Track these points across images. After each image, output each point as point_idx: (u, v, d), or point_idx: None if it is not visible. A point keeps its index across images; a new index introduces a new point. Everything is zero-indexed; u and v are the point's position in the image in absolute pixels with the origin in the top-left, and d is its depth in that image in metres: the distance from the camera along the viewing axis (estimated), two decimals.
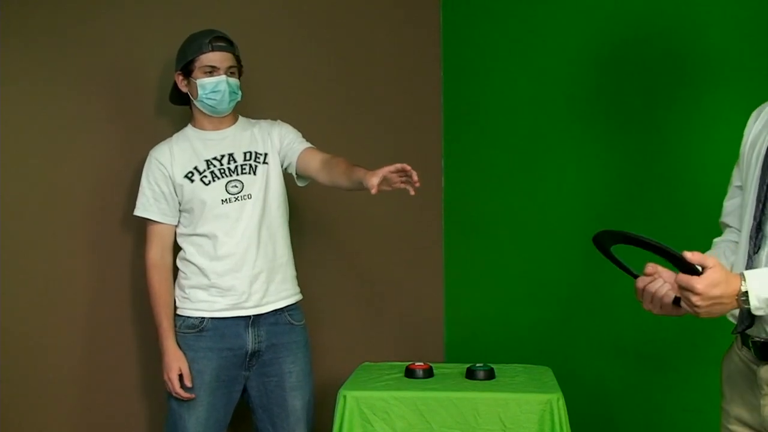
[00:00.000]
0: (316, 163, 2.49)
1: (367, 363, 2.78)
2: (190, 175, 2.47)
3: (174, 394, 2.40)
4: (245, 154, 2.52)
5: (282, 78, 2.96)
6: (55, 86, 2.66)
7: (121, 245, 2.73)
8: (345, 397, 2.40)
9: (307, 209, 3.00)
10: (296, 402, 2.51)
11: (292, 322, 2.53)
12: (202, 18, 2.69)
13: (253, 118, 2.63)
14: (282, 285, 2.51)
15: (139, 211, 2.49)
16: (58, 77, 2.66)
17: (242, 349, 2.45)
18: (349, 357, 2.87)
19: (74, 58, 2.67)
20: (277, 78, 2.94)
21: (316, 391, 2.62)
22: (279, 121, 2.63)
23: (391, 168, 2.19)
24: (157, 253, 2.48)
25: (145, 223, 2.51)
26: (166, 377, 2.40)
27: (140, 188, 2.49)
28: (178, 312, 2.48)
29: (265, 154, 2.54)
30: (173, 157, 2.48)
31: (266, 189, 2.50)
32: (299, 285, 2.61)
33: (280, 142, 2.56)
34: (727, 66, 2.46)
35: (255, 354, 2.47)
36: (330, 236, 3.08)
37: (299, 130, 2.62)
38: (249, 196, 2.47)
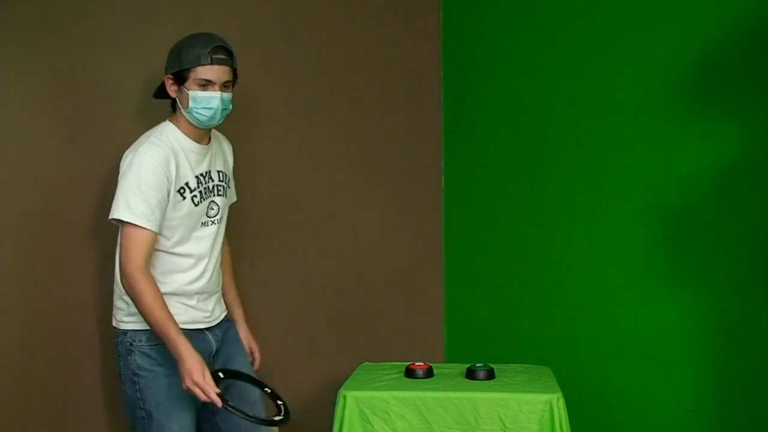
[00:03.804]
0: None
1: (367, 363, 2.78)
2: (182, 190, 2.28)
3: (209, 396, 2.08)
4: (219, 173, 2.41)
5: (282, 79, 2.96)
6: (55, 85, 2.66)
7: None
8: (345, 397, 2.40)
9: (307, 208, 3.01)
10: (252, 389, 2.37)
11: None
12: (202, 18, 2.69)
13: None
14: (221, 301, 2.50)
15: (140, 221, 2.16)
16: (57, 76, 2.66)
17: (209, 351, 2.38)
18: (349, 357, 2.87)
19: (72, 58, 2.67)
20: (276, 78, 2.94)
21: (316, 391, 2.61)
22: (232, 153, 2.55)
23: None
24: (144, 261, 2.18)
25: (129, 229, 2.18)
26: (190, 384, 2.08)
27: (140, 194, 2.17)
28: (139, 327, 2.26)
29: (229, 179, 2.48)
30: (178, 168, 2.26)
31: (227, 212, 2.47)
32: (299, 285, 2.58)
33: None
34: (727, 72, 2.47)
35: (215, 353, 2.43)
36: (330, 236, 3.08)
37: (298, 132, 2.60)
38: (219, 220, 2.42)
